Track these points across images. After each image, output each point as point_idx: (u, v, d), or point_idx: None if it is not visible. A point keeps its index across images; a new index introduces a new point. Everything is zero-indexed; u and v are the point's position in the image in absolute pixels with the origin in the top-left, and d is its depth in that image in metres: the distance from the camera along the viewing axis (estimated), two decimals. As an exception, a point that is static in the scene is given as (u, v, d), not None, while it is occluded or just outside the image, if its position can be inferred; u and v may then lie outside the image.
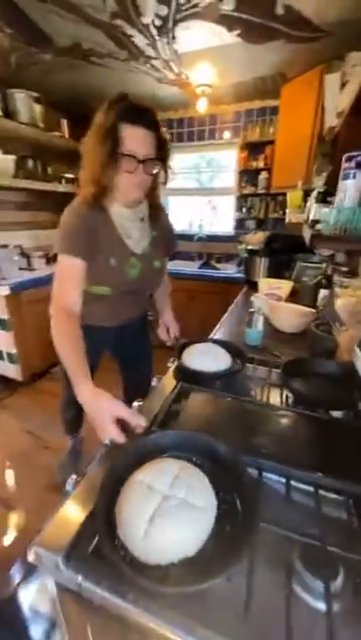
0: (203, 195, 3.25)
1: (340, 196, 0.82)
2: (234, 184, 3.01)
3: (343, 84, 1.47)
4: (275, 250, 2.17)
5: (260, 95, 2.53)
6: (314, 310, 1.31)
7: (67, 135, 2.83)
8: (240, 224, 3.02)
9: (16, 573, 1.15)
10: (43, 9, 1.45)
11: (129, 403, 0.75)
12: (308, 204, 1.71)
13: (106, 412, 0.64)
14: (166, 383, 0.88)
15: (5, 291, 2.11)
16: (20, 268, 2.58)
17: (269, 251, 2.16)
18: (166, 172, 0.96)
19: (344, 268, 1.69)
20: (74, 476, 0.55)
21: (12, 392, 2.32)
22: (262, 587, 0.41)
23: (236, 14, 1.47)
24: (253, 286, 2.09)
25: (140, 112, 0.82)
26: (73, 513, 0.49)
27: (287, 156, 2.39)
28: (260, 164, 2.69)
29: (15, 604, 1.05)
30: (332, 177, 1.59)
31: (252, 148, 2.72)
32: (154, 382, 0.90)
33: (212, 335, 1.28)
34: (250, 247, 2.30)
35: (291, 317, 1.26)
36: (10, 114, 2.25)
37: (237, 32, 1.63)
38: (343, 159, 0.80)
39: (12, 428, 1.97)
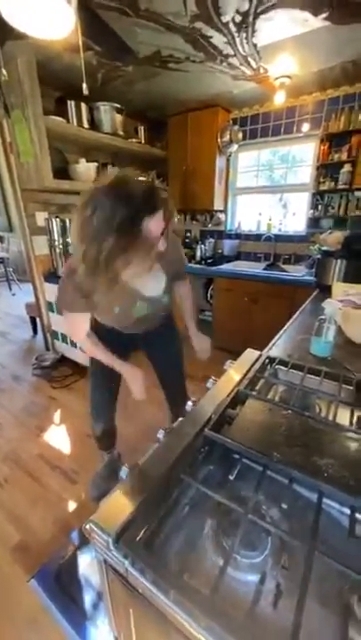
0: (275, 192, 3.10)
1: None
2: (310, 180, 2.79)
3: None
4: (355, 252, 1.95)
5: (350, 80, 2.29)
6: None
7: (143, 140, 3.00)
8: (314, 223, 2.80)
9: (75, 540, 1.27)
10: (128, 22, 1.55)
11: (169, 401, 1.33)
12: None
13: (140, 378, 1.10)
14: (221, 386, 0.86)
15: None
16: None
17: (348, 252, 1.95)
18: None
19: None
20: (126, 466, 0.57)
21: (81, 376, 2.56)
22: (312, 622, 0.38)
23: (324, -5, 1.36)
24: (325, 291, 1.92)
25: (152, 196, 0.77)
26: (126, 499, 0.52)
27: (377, 145, 2.13)
28: (344, 157, 2.44)
29: (72, 569, 1.16)
30: None
31: (335, 140, 2.49)
32: (209, 384, 0.89)
33: (272, 343, 1.21)
34: (324, 248, 2.11)
35: (367, 328, 1.12)
36: (95, 125, 2.48)
37: (325, 15, 1.50)
38: None
39: (79, 410, 2.18)
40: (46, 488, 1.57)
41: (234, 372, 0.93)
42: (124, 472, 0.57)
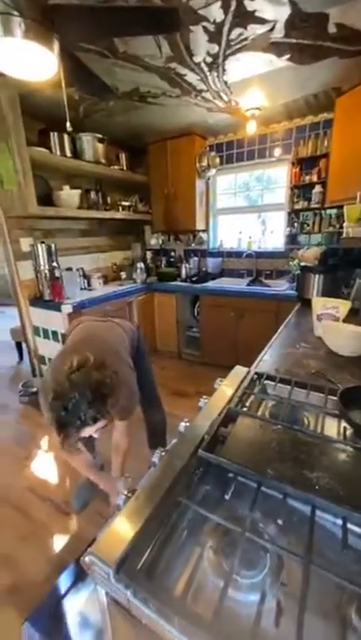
0: (253, 212, 3.25)
1: None
2: (285, 200, 2.96)
3: None
4: (332, 266, 2.06)
5: (313, 111, 2.49)
6: (376, 332, 1.21)
7: (125, 167, 3.11)
8: (292, 239, 2.94)
9: (71, 576, 1.21)
10: (107, 63, 1.66)
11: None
12: (369, 217, 1.61)
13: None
14: (212, 405, 0.88)
15: (69, 309, 2.33)
16: (81, 288, 2.84)
17: (326, 267, 2.05)
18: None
19: None
20: (125, 492, 0.58)
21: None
22: (313, 635, 0.38)
23: (286, 40, 1.50)
24: (306, 304, 2.00)
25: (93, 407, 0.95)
26: (125, 527, 0.52)
27: (343, 168, 2.30)
28: (314, 178, 2.61)
29: (69, 607, 1.10)
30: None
31: (305, 163, 2.67)
32: (201, 403, 0.91)
33: (259, 358, 1.25)
34: (303, 263, 2.21)
35: (349, 339, 1.17)
36: (77, 154, 2.57)
37: (287, 57, 1.66)
38: None
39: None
40: (36, 523, 1.50)
41: (224, 390, 0.95)
42: (121, 499, 0.58)
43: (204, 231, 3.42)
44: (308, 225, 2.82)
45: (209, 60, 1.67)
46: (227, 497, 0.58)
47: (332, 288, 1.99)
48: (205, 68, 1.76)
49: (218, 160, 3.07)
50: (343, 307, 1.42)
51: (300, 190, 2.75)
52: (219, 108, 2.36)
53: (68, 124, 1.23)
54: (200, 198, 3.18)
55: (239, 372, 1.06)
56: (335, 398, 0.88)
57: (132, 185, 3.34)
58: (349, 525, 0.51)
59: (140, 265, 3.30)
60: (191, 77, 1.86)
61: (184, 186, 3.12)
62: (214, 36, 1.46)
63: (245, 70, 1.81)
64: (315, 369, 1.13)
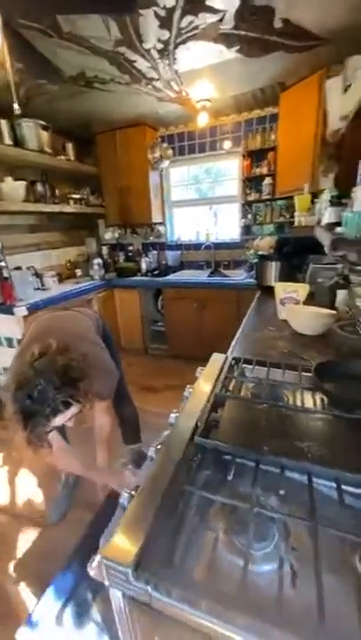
0: (207, 204, 3.30)
1: (359, 200, 0.84)
2: (238, 192, 3.05)
3: (346, 88, 1.51)
4: (286, 253, 2.18)
5: (260, 105, 2.59)
6: (334, 312, 1.32)
7: (72, 158, 2.94)
8: (246, 230, 3.06)
9: (64, 591, 1.13)
10: (52, 43, 1.53)
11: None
12: (318, 206, 1.74)
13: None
14: (199, 393, 0.89)
15: (23, 312, 2.16)
16: (35, 289, 2.64)
17: (281, 255, 2.17)
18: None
19: (360, 267, 1.69)
20: (128, 491, 0.56)
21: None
22: (327, 590, 0.41)
23: (235, 32, 1.53)
24: (266, 291, 2.11)
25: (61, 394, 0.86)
26: (134, 524, 0.50)
27: (290, 160, 2.43)
28: (264, 171, 2.73)
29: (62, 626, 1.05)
30: (341, 178, 1.63)
31: (255, 156, 2.77)
32: (186, 393, 0.91)
33: (232, 345, 1.29)
34: (260, 252, 2.31)
35: (312, 320, 1.26)
36: (19, 142, 2.35)
37: (236, 48, 1.69)
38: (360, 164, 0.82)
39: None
40: (11, 544, 1.39)
41: (207, 378, 0.97)
42: (125, 498, 0.56)
43: (161, 224, 3.39)
44: (261, 216, 2.95)
45: (160, 46, 1.63)
46: (229, 478, 0.59)
47: (288, 274, 2.11)
48: (156, 55, 1.72)
49: (170, 152, 3.05)
50: (303, 290, 1.52)
51: (251, 182, 2.86)
52: (170, 98, 2.34)
53: (15, 105, 1.11)
54: (155, 190, 3.14)
55: (217, 358, 1.09)
56: (308, 374, 0.95)
57: (82, 177, 3.17)
58: (343, 486, 0.55)
59: (98, 261, 3.17)
60: (141, 64, 1.80)
61: (137, 178, 3.05)
62: (165, 22, 1.43)
63: (196, 60, 1.81)
64: (285, 349, 1.20)
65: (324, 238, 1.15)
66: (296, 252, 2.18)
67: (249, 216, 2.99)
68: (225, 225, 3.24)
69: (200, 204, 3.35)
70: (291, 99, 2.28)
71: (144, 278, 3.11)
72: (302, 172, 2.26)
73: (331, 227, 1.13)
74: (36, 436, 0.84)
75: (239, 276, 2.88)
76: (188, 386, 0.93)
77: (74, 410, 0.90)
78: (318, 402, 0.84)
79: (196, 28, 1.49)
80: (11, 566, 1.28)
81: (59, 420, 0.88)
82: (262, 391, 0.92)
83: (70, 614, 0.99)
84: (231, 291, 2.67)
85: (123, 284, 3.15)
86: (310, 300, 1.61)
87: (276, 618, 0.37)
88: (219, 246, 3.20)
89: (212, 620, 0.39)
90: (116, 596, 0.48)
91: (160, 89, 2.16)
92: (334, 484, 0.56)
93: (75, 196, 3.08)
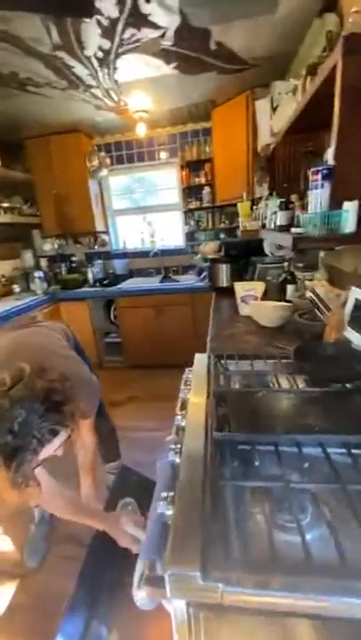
0: (148, 212, 3.34)
1: (313, 203, 0.96)
2: (179, 200, 3.17)
3: (274, 108, 1.71)
4: (233, 256, 2.34)
5: (194, 119, 2.75)
6: (291, 304, 1.46)
7: None
8: (191, 236, 3.18)
9: None
10: (-21, 39, 1.40)
11: None
12: (261, 211, 1.92)
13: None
14: (196, 392, 0.89)
15: None
16: (-31, 309, 2.33)
17: (229, 257, 2.33)
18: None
19: (300, 264, 1.92)
20: (164, 495, 0.54)
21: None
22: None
23: (174, 49, 1.61)
24: (220, 292, 2.23)
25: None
26: (184, 532, 0.49)
27: (227, 171, 2.63)
28: (202, 180, 2.90)
29: None
30: (277, 186, 1.83)
31: (192, 166, 2.92)
32: (182, 394, 0.92)
33: (208, 344, 1.34)
34: (210, 256, 2.44)
35: (276, 313, 1.38)
36: None
37: (174, 65, 1.78)
38: (310, 173, 0.95)
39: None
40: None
41: (198, 377, 0.98)
42: (162, 507, 0.54)
43: (104, 232, 3.31)
44: (203, 222, 3.11)
45: (100, 54, 1.63)
46: (257, 463, 0.61)
47: (237, 275, 2.27)
48: (96, 63, 1.71)
49: (108, 160, 3.02)
50: (260, 287, 1.65)
51: (191, 191, 3.01)
52: (108, 107, 2.33)
53: None
54: (96, 199, 3.06)
55: (201, 358, 1.11)
56: (286, 360, 1.04)
57: (11, 184, 2.92)
58: (353, 450, 0.63)
59: (39, 274, 2.94)
60: (80, 70, 1.77)
61: (76, 186, 2.94)
62: (108, 32, 1.44)
63: (135, 72, 1.85)
64: (256, 342, 1.29)
65: (280, 239, 1.28)
66: (241, 255, 2.36)
67: (192, 222, 3.12)
68: (169, 232, 3.33)
69: (141, 213, 3.37)
70: (222, 115, 2.48)
71: (92, 289, 2.99)
72: (239, 181, 2.46)
73: (283, 228, 1.26)
74: (21, 475, 0.72)
75: (190, 280, 2.98)
76: (188, 369, 0.94)
77: (63, 436, 0.80)
78: (301, 383, 0.93)
79: (137, 41, 1.53)
80: (-13, 632, 1.10)
81: (47, 452, 0.77)
82: (252, 381, 0.98)
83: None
84: (185, 294, 2.74)
85: (69, 297, 2.97)
86: (264, 296, 1.76)
87: (349, 573, 0.41)
88: (165, 253, 3.26)
89: (291, 594, 0.40)
90: (178, 608, 0.46)
91: (98, 97, 2.14)
92: (345, 450, 0.63)
93: (4, 205, 2.81)
